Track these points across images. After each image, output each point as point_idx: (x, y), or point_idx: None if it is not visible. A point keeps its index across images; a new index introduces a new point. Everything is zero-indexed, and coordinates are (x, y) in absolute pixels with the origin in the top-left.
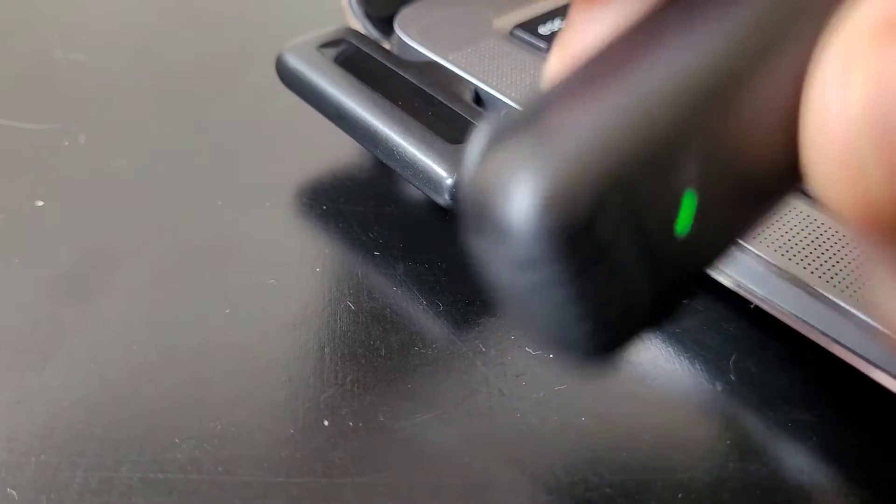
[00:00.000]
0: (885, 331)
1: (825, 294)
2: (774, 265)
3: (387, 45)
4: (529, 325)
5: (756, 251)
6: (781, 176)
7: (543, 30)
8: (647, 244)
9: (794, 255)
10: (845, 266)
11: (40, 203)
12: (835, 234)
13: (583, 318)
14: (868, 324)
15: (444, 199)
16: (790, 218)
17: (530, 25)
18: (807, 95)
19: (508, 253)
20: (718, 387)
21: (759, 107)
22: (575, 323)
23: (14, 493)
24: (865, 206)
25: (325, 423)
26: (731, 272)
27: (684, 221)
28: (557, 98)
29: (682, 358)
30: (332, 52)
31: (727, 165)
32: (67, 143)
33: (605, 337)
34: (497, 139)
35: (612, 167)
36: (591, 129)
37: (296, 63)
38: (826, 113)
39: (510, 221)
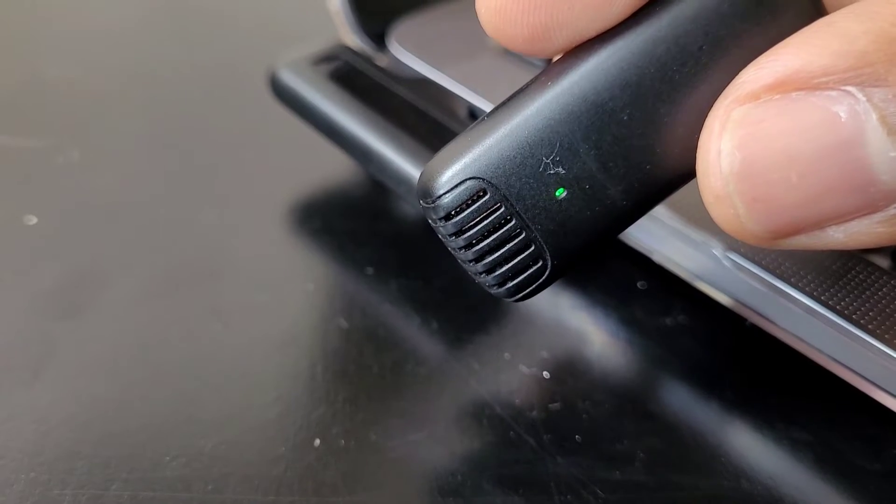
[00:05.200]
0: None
1: (824, 313)
2: (771, 284)
3: (380, 61)
4: (464, 270)
5: (753, 269)
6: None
7: None
8: (527, 207)
9: (793, 274)
10: (845, 285)
11: (33, 219)
12: (841, 256)
13: (489, 264)
14: (868, 343)
15: None
16: None
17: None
18: (700, 140)
19: (430, 210)
20: (715, 404)
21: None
22: (484, 269)
23: None
24: (739, 228)
25: (317, 441)
26: (728, 290)
27: (560, 190)
28: (474, 126)
29: (678, 376)
30: (326, 68)
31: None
32: (61, 160)
33: (512, 283)
34: (437, 154)
35: (481, 163)
36: (473, 144)
37: (290, 80)
38: (707, 163)
39: (425, 193)
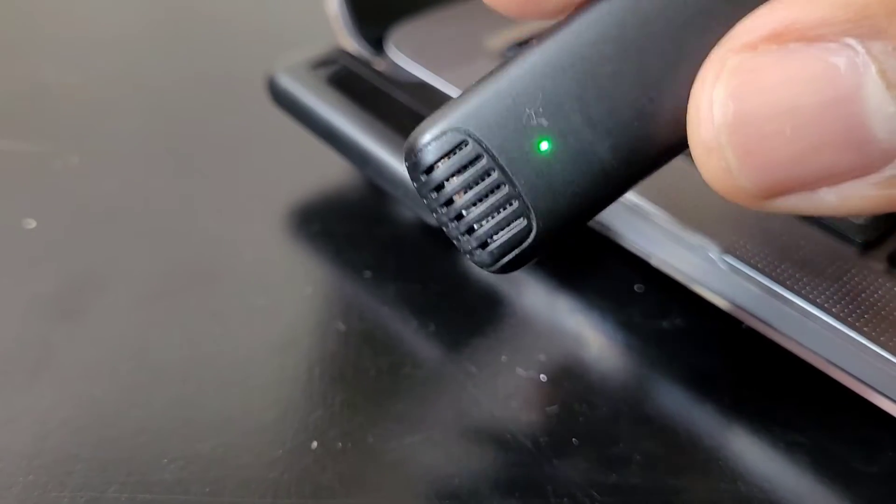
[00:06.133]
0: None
1: (820, 316)
2: (767, 287)
3: (378, 65)
4: (448, 234)
5: (749, 272)
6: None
7: None
8: (511, 159)
9: (789, 277)
10: (841, 287)
11: (32, 223)
12: (837, 259)
13: (471, 222)
14: (864, 345)
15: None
16: (786, 241)
17: (524, 45)
18: (693, 91)
19: (413, 168)
20: (711, 408)
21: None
22: (466, 227)
23: None
24: (730, 184)
25: (314, 444)
26: (724, 293)
27: (545, 142)
28: (464, 91)
29: (675, 379)
30: (325, 72)
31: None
32: (61, 164)
33: (495, 245)
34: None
35: (462, 116)
36: (458, 103)
37: (289, 84)
38: (699, 112)
39: (409, 150)
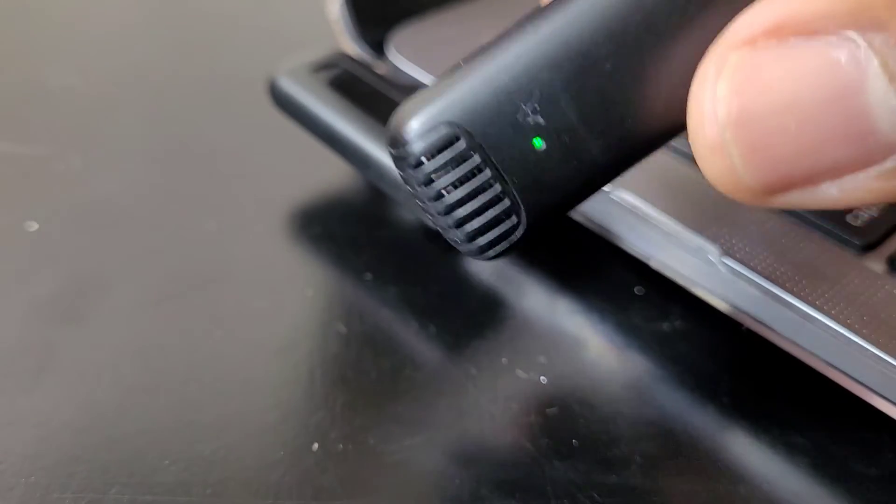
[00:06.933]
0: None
1: (819, 318)
2: (766, 289)
3: (379, 68)
4: (433, 224)
5: (748, 274)
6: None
7: None
8: (503, 157)
9: (789, 279)
10: (841, 289)
11: (34, 225)
12: (836, 262)
13: (460, 218)
14: (863, 347)
15: None
16: (785, 243)
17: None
18: (692, 89)
19: (399, 158)
20: (711, 409)
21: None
22: (455, 222)
23: None
24: (735, 182)
25: (315, 446)
26: (724, 295)
27: (538, 140)
28: (450, 70)
29: (674, 381)
30: (326, 75)
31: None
32: (62, 167)
33: (483, 239)
34: (408, 98)
35: (455, 108)
36: (447, 88)
37: (290, 87)
38: (702, 111)
39: (395, 139)
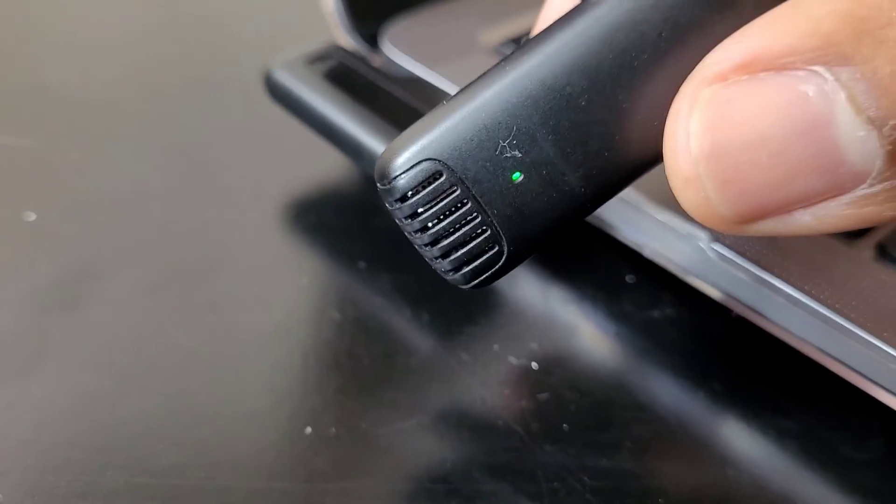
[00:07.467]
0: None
1: (808, 304)
2: (756, 275)
3: (373, 61)
4: (421, 255)
5: (737, 260)
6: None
7: None
8: (483, 190)
9: (777, 265)
10: (829, 275)
11: (32, 216)
12: (825, 248)
13: (444, 248)
14: (853, 332)
15: None
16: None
17: (517, 41)
18: (667, 124)
19: (386, 192)
20: (702, 394)
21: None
22: (440, 253)
23: (0, 496)
24: (709, 213)
25: (308, 430)
26: (713, 281)
27: (517, 174)
28: (434, 109)
29: (665, 367)
30: (321, 68)
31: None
32: (60, 159)
33: (468, 269)
34: (399, 135)
35: (437, 145)
36: (430, 126)
37: (285, 79)
38: (676, 145)
39: (382, 175)
